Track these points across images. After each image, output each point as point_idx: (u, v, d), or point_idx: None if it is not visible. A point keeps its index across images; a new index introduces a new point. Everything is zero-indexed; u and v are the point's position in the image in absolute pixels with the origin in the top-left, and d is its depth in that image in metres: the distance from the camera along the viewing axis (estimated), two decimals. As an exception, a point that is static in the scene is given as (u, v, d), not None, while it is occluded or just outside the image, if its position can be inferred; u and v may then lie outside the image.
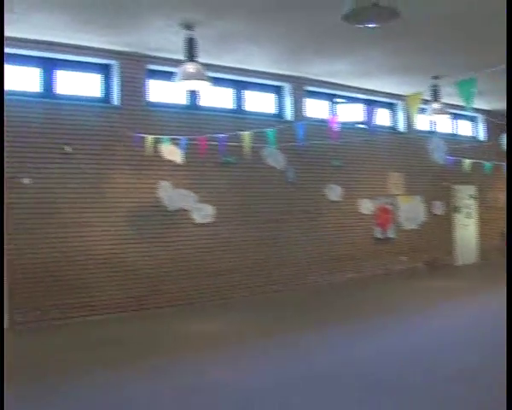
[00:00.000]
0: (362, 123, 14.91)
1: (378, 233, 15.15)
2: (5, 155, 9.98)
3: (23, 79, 10.62)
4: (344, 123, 8.56)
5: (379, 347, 7.99)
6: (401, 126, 15.91)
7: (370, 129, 10.04)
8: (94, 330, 9.88)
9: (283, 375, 6.83)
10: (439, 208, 16.68)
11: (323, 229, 13.91)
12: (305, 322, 9.95)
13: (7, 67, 10.33)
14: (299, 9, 8.96)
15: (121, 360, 7.79)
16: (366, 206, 14.90)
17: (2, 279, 6.86)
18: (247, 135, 9.42)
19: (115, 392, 6.45)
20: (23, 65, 10.59)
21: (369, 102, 14.73)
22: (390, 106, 15.78)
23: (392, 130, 15.88)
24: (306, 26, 9.78)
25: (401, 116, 15.84)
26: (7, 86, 10.33)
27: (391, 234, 15.40)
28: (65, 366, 7.56)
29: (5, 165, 9.92)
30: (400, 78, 13.46)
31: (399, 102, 15.58)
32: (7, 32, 9.66)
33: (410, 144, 15.71)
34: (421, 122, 15.57)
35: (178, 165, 11.41)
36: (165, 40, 10.41)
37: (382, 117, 15.53)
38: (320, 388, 6.29)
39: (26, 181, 10.20)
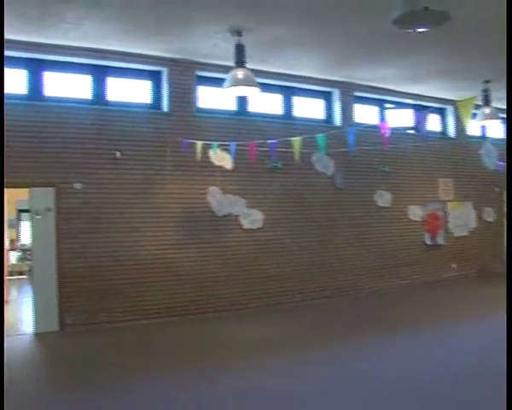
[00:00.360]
0: (412, 128, 14.78)
1: (428, 240, 14.95)
2: (57, 160, 10.18)
3: (75, 87, 10.77)
4: (393, 128, 8.43)
5: (431, 356, 7.82)
6: (451, 131, 15.68)
7: (422, 135, 9.88)
8: (142, 334, 9.97)
9: (330, 382, 6.76)
10: (490, 215, 16.38)
11: (372, 235, 13.79)
12: (354, 329, 9.85)
13: (60, 75, 10.54)
14: (348, 15, 8.92)
15: (168, 364, 7.83)
16: (415, 212, 14.72)
17: (3, 280, 6.93)
18: (297, 141, 9.37)
19: (162, 397, 6.47)
20: (75, 73, 10.76)
21: (418, 108, 14.57)
22: (439, 111, 15.57)
23: (442, 135, 15.66)
24: (356, 31, 9.73)
25: (451, 121, 15.63)
26: (61, 93, 10.54)
27: (441, 241, 15.19)
28: (112, 369, 7.65)
29: (57, 170, 10.11)
30: (450, 82, 13.28)
31: (449, 107, 15.39)
32: (59, 41, 9.91)
33: (460, 150, 15.49)
34: (472, 127, 15.33)
35: (227, 170, 11.48)
36: (214, 47, 10.47)
37: (432, 122, 15.33)
38: (367, 396, 6.21)
39: (77, 186, 10.37)
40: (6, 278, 14.65)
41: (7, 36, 9.48)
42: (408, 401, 6.03)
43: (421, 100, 14.76)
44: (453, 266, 15.29)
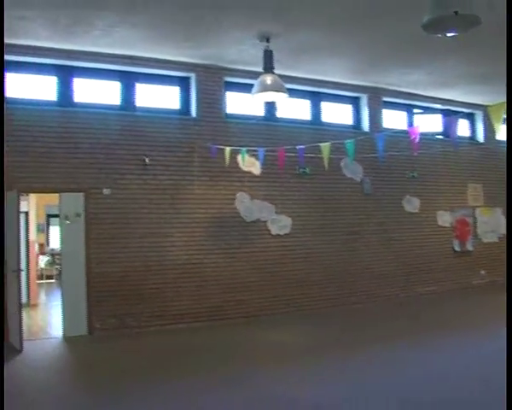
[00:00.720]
0: (440, 134, 14.69)
1: (456, 246, 14.82)
2: (86, 165, 10.26)
3: (104, 93, 10.86)
4: (422, 134, 8.37)
5: (458, 365, 7.70)
6: (480, 137, 15.55)
7: (451, 140, 9.79)
8: (169, 339, 9.99)
9: (355, 390, 6.70)
10: (520, 221, 16.20)
11: (400, 241, 13.69)
12: (381, 336, 9.75)
13: (90, 82, 10.63)
14: (377, 20, 8.90)
15: (195, 369, 7.83)
16: (444, 218, 14.61)
17: (3, 281, 6.97)
18: (326, 146, 9.34)
19: (188, 401, 6.49)
20: (104, 79, 10.86)
21: (446, 113, 14.48)
22: (468, 116, 15.44)
23: (471, 140, 15.53)
24: (384, 36, 9.70)
25: (480, 126, 15.50)
26: (90, 100, 10.63)
27: (470, 247, 15.05)
28: (140, 374, 7.68)
29: (86, 176, 10.19)
30: (480, 87, 13.18)
31: (478, 112, 15.27)
32: (90, 48, 10.00)
33: (489, 155, 15.34)
34: (501, 132, 15.17)
35: (256, 176, 11.49)
36: (242, 52, 10.51)
37: (461, 127, 15.21)
38: (391, 406, 6.15)
39: (106, 191, 10.44)
40: (35, 281, 14.82)
41: (38, 44, 9.67)
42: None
43: (449, 105, 14.66)
44: (482, 272, 15.15)
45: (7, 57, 9.73)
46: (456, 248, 14.80)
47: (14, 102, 9.99)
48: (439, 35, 6.76)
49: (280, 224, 11.96)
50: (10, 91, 10.02)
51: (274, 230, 11.90)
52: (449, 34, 6.64)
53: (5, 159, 9.54)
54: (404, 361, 7.95)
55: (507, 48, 5.61)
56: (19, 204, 9.35)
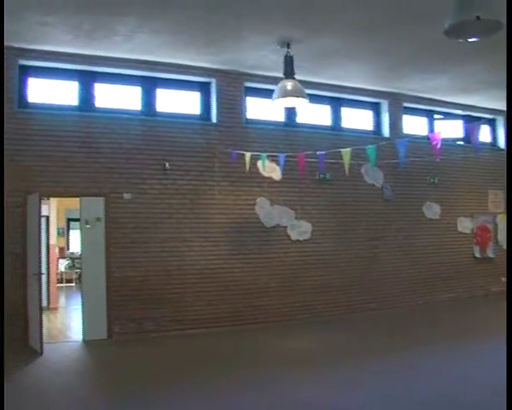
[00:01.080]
0: (461, 139, 14.60)
1: (477, 252, 14.71)
2: (107, 170, 10.32)
3: (125, 98, 10.91)
4: (443, 139, 8.32)
5: (478, 373, 7.59)
6: (501, 142, 15.44)
7: (473, 146, 9.72)
8: (188, 343, 10.00)
9: (372, 396, 6.66)
10: (542, 228, 16.07)
11: (420, 247, 13.61)
12: (400, 342, 9.69)
13: (111, 87, 10.69)
14: (398, 25, 8.88)
15: (214, 374, 7.81)
16: (464, 224, 14.51)
17: (3, 283, 7.00)
18: (346, 152, 9.31)
19: (207, 406, 6.48)
20: (125, 84, 10.92)
21: (467, 118, 14.40)
22: (489, 122, 15.34)
23: (492, 146, 15.42)
24: (405, 41, 9.68)
25: (501, 132, 15.39)
26: (111, 105, 10.69)
27: (490, 254, 14.93)
28: (159, 377, 7.66)
29: (106, 180, 10.24)
30: (501, 92, 13.01)
31: (500, 118, 15.17)
32: (111, 53, 10.06)
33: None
34: (524, 138, 15.09)
35: (276, 181, 11.48)
36: (262, 58, 10.52)
37: (482, 133, 15.10)
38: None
39: (126, 196, 10.47)
40: (55, 285, 14.89)
41: (59, 49, 9.75)
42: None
43: (470, 111, 14.58)
44: (503, 279, 15.00)
45: (29, 62, 9.89)
46: (477, 255, 14.69)
47: (36, 106, 10.09)
48: (461, 40, 6.72)
49: (300, 229, 11.94)
50: (31, 96, 10.12)
51: (294, 235, 11.88)
52: (470, 39, 6.59)
53: (26, 163, 9.67)
54: (423, 369, 7.85)
55: (507, 48, 5.58)
56: (40, 208, 9.41)
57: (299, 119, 12.40)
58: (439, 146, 8.16)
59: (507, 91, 5.53)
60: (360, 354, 8.89)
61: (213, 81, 11.42)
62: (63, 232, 21.20)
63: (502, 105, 13.80)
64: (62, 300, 16.37)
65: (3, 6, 6.78)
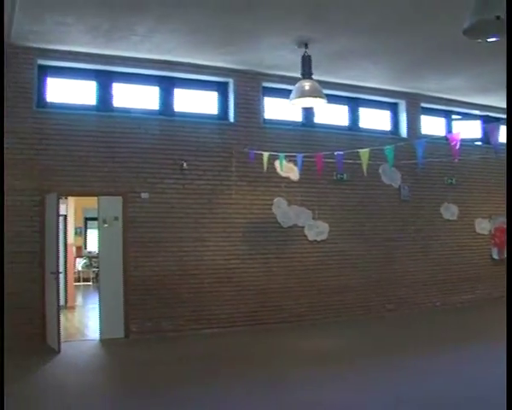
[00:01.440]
0: (479, 140, 14.52)
1: (495, 254, 14.60)
2: (125, 170, 10.35)
3: (143, 98, 10.93)
4: (461, 140, 8.26)
5: (494, 376, 7.53)
6: (520, 143, 15.32)
7: (493, 147, 9.65)
8: (205, 343, 10.01)
9: (385, 396, 6.63)
10: (560, 229, 15.92)
11: (438, 248, 13.53)
12: (417, 344, 9.61)
13: (129, 87, 10.73)
14: (416, 25, 8.84)
15: (231, 373, 7.82)
16: (482, 225, 14.41)
17: (3, 283, 7.02)
18: (365, 153, 9.27)
19: (223, 405, 6.49)
20: (143, 84, 10.93)
21: (485, 119, 14.31)
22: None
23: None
24: (423, 41, 9.63)
25: (520, 133, 15.26)
26: (129, 104, 10.72)
27: (508, 255, 14.85)
28: (176, 376, 7.72)
29: (124, 180, 10.27)
30: (520, 93, 12.99)
31: (519, 119, 15.05)
32: (129, 53, 10.09)
33: (529, 162, 15.09)
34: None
35: (293, 182, 11.47)
36: (280, 58, 10.50)
37: (501, 133, 15.00)
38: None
39: (144, 196, 10.50)
40: (72, 284, 14.97)
41: (77, 49, 9.80)
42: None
43: (488, 111, 14.48)
44: (521, 281, 14.89)
45: (48, 62, 9.94)
46: (495, 256, 14.58)
47: (55, 106, 10.14)
48: (480, 40, 6.67)
49: (317, 230, 11.91)
50: (50, 96, 10.17)
51: (311, 236, 11.85)
52: (490, 39, 6.54)
53: (44, 162, 9.72)
54: (438, 371, 7.79)
55: (507, 48, 5.52)
56: (58, 207, 9.43)
57: (317, 119, 12.37)
58: (457, 147, 8.11)
59: (507, 91, 5.49)
60: (375, 354, 8.88)
61: (231, 81, 11.42)
62: (80, 231, 21.29)
63: (521, 105, 13.69)
64: (80, 299, 16.46)
65: (3, 6, 6.81)
